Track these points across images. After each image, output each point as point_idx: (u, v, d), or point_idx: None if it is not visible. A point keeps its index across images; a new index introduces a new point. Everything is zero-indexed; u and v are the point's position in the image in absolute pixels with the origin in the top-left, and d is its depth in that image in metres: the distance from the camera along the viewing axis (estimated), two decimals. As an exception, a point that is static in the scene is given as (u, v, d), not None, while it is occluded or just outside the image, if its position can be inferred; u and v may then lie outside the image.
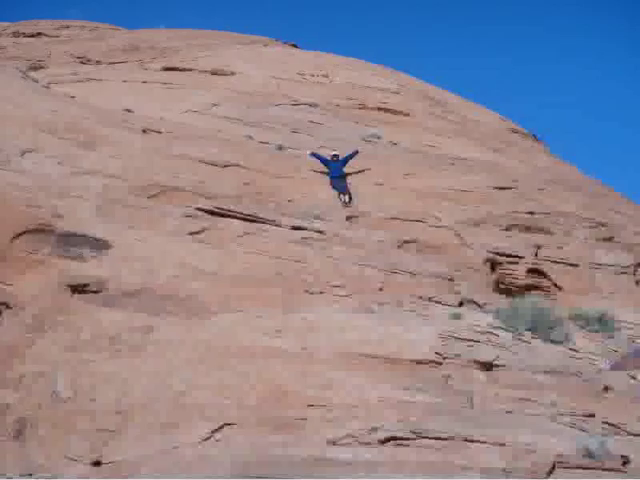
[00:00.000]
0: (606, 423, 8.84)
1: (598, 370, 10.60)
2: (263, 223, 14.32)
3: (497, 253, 15.17)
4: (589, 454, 7.66)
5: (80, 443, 8.91)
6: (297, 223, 14.51)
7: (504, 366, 10.02)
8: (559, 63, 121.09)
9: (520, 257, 15.15)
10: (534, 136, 26.82)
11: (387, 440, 8.04)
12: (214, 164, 16.27)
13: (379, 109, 23.14)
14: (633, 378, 10.70)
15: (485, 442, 7.85)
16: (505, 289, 14.74)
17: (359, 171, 17.43)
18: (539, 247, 15.54)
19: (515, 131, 25.97)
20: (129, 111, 19.66)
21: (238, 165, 16.51)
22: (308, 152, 17.70)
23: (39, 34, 31.68)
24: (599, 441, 7.86)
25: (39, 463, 8.83)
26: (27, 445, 9.13)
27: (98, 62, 27.01)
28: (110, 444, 8.78)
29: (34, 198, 12.91)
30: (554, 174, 20.75)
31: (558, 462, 7.55)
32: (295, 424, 8.52)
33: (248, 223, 14.23)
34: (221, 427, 8.64)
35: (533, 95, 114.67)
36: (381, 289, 12.96)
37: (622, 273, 15.87)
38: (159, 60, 26.67)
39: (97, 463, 8.63)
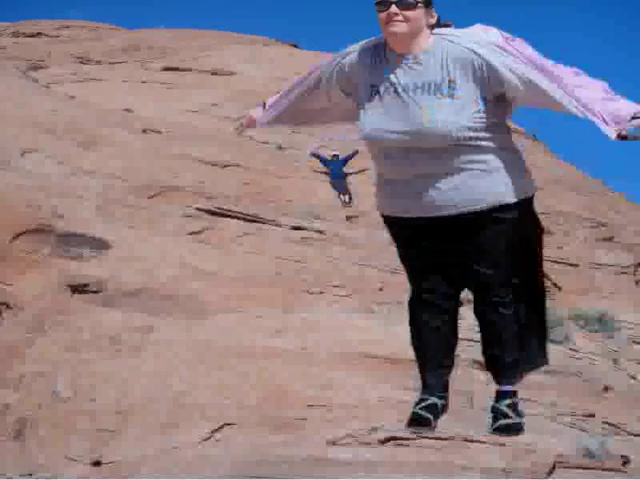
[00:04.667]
0: (606, 423, 8.84)
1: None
2: (263, 223, 14.32)
3: (497, 253, 15.15)
4: (589, 454, 7.66)
5: (80, 443, 8.90)
6: (297, 223, 14.51)
7: (504, 366, 10.00)
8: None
9: (520, 257, 15.13)
10: (534, 136, 26.83)
11: (387, 440, 8.04)
12: (214, 164, 16.27)
13: (379, 109, 23.13)
14: (633, 378, 10.70)
15: (485, 442, 7.85)
16: (505, 289, 14.72)
17: (359, 171, 17.43)
18: (539, 247, 15.52)
19: (515, 131, 25.98)
20: (129, 111, 19.66)
21: (238, 165, 16.52)
22: (308, 152, 17.70)
23: (39, 34, 31.63)
24: (599, 441, 7.86)
25: (39, 463, 8.82)
26: (27, 445, 9.11)
27: (98, 62, 27.01)
28: (110, 444, 8.77)
29: (34, 198, 12.90)
30: (554, 174, 20.76)
31: (558, 462, 7.54)
32: (295, 424, 8.51)
33: (248, 223, 14.23)
34: (221, 427, 8.63)
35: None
36: (381, 289, 12.96)
37: (622, 273, 15.88)
38: (159, 60, 26.66)
39: (97, 463, 8.62)
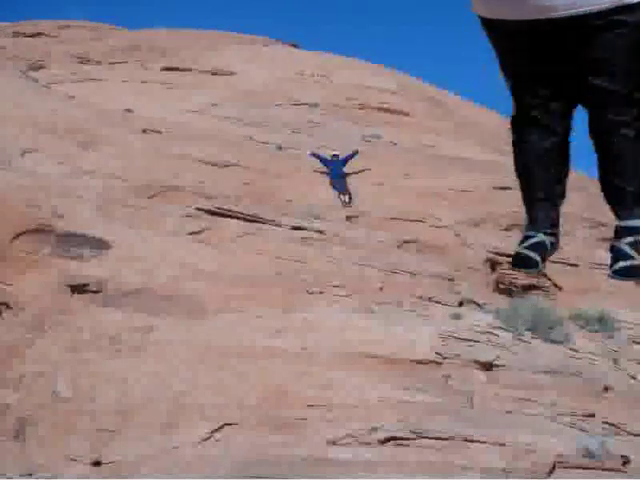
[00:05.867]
0: (606, 423, 8.84)
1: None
2: (263, 223, 14.32)
3: (497, 253, 15.18)
4: (589, 454, 7.66)
5: (80, 443, 8.90)
6: (297, 223, 14.50)
7: (504, 366, 10.02)
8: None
9: (520, 257, 15.13)
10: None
11: (387, 440, 8.04)
12: (214, 164, 16.27)
13: (379, 109, 23.16)
14: (633, 378, 10.70)
15: (485, 442, 7.85)
16: (505, 289, 14.74)
17: (359, 171, 17.44)
18: (539, 247, 15.50)
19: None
20: (129, 111, 19.67)
21: (238, 165, 16.52)
22: (308, 152, 17.71)
23: (39, 34, 31.63)
24: (599, 441, 7.86)
25: (39, 463, 8.83)
26: (27, 445, 9.12)
27: (98, 62, 27.03)
28: (110, 444, 8.77)
29: (34, 198, 12.90)
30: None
31: (558, 462, 7.55)
32: (295, 424, 8.51)
33: (248, 223, 14.23)
34: (221, 427, 8.63)
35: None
36: (381, 289, 12.96)
37: (622, 273, 15.86)
38: (159, 60, 26.68)
39: (97, 463, 8.63)
